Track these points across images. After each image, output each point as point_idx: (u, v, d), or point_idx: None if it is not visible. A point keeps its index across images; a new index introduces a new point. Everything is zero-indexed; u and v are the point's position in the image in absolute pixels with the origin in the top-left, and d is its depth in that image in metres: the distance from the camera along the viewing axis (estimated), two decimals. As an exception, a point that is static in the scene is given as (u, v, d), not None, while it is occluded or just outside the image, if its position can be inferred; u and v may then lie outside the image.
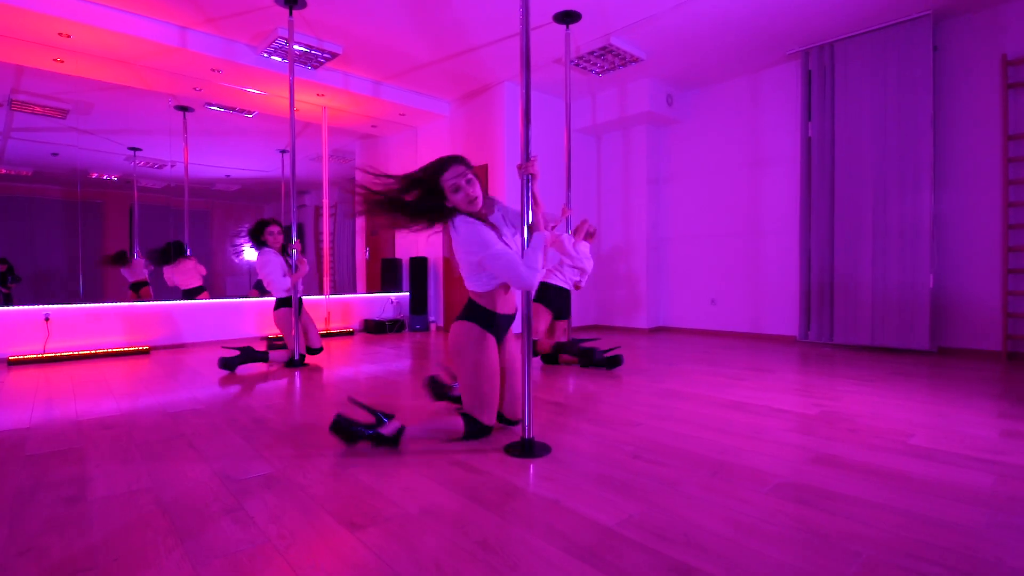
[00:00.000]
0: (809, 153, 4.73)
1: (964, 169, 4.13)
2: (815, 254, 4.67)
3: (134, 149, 7.50)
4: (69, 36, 3.93)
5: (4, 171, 7.44)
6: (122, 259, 6.15)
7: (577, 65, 4.83)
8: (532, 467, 1.78)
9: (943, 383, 3.13)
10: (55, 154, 7.25)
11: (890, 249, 4.27)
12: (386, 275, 6.60)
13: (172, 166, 8.07)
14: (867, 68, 4.36)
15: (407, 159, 6.80)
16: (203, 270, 6.04)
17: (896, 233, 4.25)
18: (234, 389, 3.08)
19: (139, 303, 4.74)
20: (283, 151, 8.02)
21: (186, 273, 5.90)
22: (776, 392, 2.90)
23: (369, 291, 7.08)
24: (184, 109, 6.24)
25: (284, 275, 3.81)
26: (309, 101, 5.54)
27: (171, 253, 5.94)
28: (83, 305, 4.41)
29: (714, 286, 5.62)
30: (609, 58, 4.66)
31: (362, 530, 1.34)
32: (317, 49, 4.43)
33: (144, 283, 6.21)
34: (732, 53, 4.79)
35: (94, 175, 8.28)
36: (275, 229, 3.85)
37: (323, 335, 5.53)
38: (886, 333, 4.29)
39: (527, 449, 1.89)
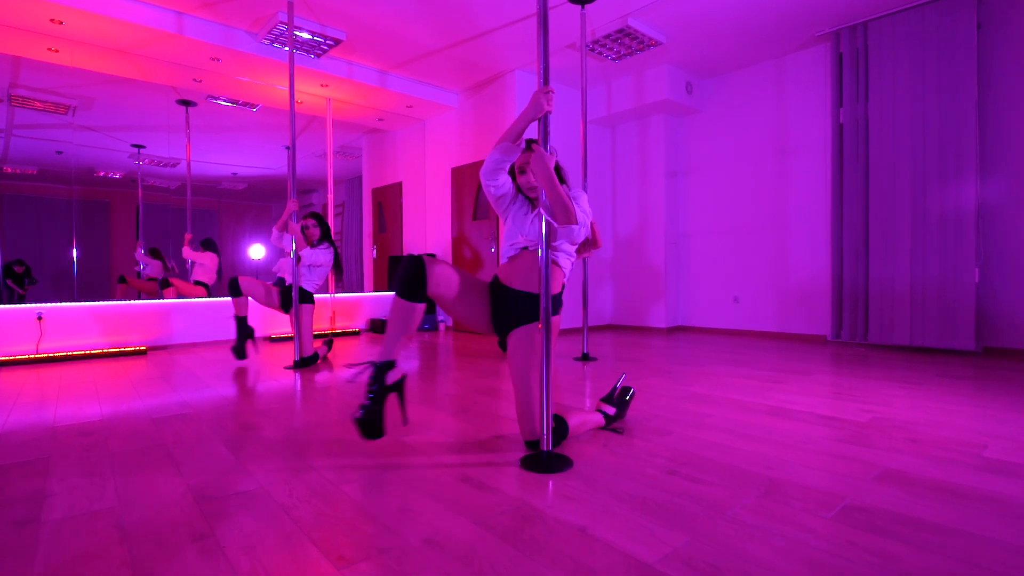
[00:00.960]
0: (841, 141, 4.45)
1: (1012, 155, 3.83)
2: (848, 248, 4.38)
3: (138, 146, 7.38)
4: (61, 22, 3.76)
5: (9, 170, 7.35)
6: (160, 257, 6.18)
7: (592, 50, 4.59)
8: (552, 484, 1.55)
9: (997, 386, 2.84)
10: (59, 152, 7.14)
11: (931, 242, 3.98)
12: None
13: (175, 165, 7.94)
14: (904, 49, 4.07)
15: (415, 154, 6.59)
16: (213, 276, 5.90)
17: (937, 224, 3.95)
18: (228, 391, 2.88)
19: (138, 301, 4.56)
20: (289, 147, 7.86)
21: (205, 267, 5.79)
22: (817, 396, 2.63)
23: (376, 290, 6.88)
24: (187, 103, 6.08)
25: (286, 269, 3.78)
26: (313, 92, 5.34)
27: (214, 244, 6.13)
28: (78, 304, 4.24)
29: (737, 283, 5.34)
30: (626, 42, 4.41)
31: (351, 566, 1.12)
32: (319, 35, 4.23)
33: (154, 279, 6.08)
34: (756, 36, 4.52)
35: (100, 173, 8.18)
36: (308, 223, 3.83)
37: (328, 335, 5.33)
38: (926, 332, 4.00)
39: (546, 463, 1.66)
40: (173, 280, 5.83)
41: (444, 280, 1.73)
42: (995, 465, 1.68)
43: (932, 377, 3.12)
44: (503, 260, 1.93)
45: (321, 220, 3.83)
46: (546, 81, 1.71)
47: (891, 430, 2.06)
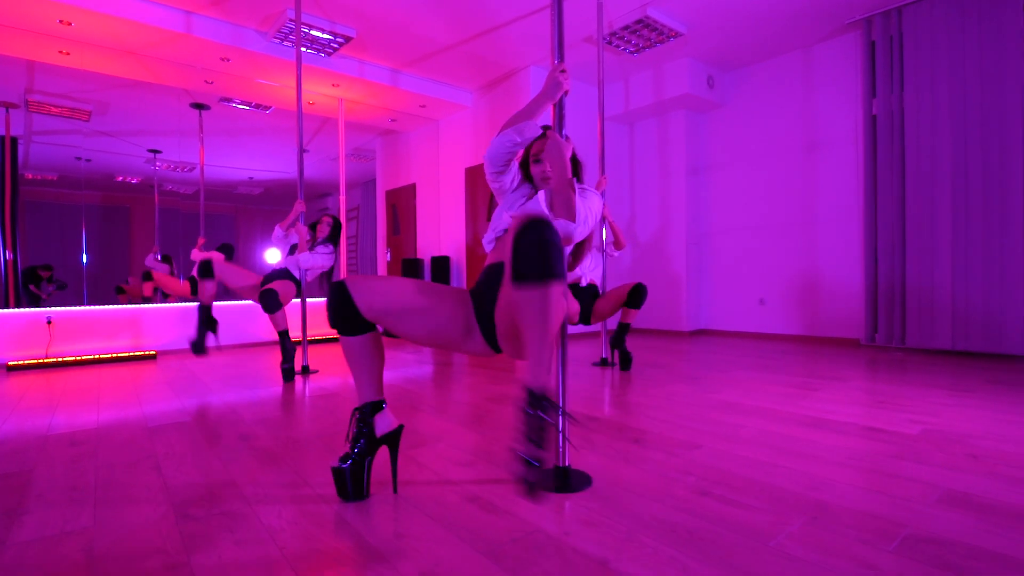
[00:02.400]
0: (874, 133, 4.22)
1: (1064, 145, 3.57)
2: (882, 246, 4.14)
3: (154, 151, 7.40)
4: (70, 24, 3.73)
5: (30, 176, 7.44)
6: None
7: (609, 43, 4.42)
8: (568, 506, 1.38)
9: (1060, 394, 2.60)
10: (78, 158, 7.19)
11: (974, 239, 3.73)
12: (407, 276, 6.29)
13: (191, 169, 7.95)
14: (942, 35, 3.83)
15: (428, 155, 6.49)
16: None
17: (980, 220, 3.70)
18: (231, 398, 2.77)
19: (148, 305, 4.51)
20: (304, 150, 7.82)
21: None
22: (858, 405, 2.43)
23: (390, 293, 6.78)
24: (200, 107, 6.05)
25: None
26: (324, 92, 5.27)
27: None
28: (87, 308, 4.20)
29: (763, 284, 5.11)
30: (645, 33, 4.24)
31: (336, 605, 0.97)
32: (329, 32, 4.14)
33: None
34: (782, 24, 4.31)
35: (119, 178, 8.24)
36: (324, 219, 3.72)
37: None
38: (970, 336, 3.74)
39: (562, 481, 1.49)
40: (154, 274, 5.72)
41: (374, 291, 1.39)
42: (1075, 487, 1.47)
43: (982, 384, 2.88)
44: (487, 249, 1.64)
45: (336, 223, 3.72)
46: (561, 58, 1.56)
47: (947, 444, 1.85)
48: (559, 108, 1.56)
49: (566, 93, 1.54)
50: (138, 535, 1.26)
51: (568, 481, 1.50)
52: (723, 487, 1.49)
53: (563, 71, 1.51)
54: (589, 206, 1.57)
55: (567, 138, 1.56)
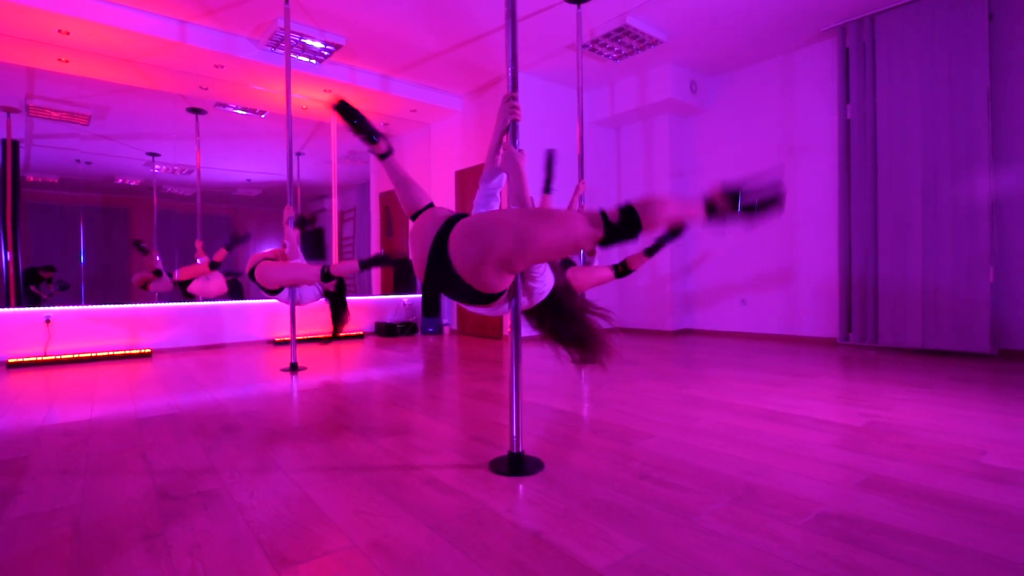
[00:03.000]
0: (848, 138, 4.33)
1: (1029, 149, 3.68)
2: (856, 247, 4.25)
3: (153, 154, 7.54)
4: (68, 33, 3.86)
5: (32, 178, 7.57)
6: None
7: (592, 50, 4.54)
8: (517, 488, 1.50)
9: (1011, 391, 2.71)
10: (78, 160, 7.33)
11: (943, 239, 3.84)
12: (399, 276, 6.41)
13: (190, 172, 8.08)
14: (913, 42, 3.94)
15: (421, 157, 6.61)
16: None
17: (949, 222, 3.81)
18: (221, 394, 2.89)
19: (144, 305, 4.64)
20: (299, 153, 7.94)
21: (208, 284, 5.73)
22: (816, 400, 2.54)
23: (383, 293, 6.90)
24: (197, 111, 6.18)
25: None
26: (316, 98, 5.39)
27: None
28: (85, 307, 4.33)
29: (745, 285, 5.22)
30: (626, 41, 4.36)
31: (291, 567, 1.09)
32: (320, 40, 4.27)
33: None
34: (760, 32, 4.43)
35: (119, 180, 8.37)
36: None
37: (333, 339, 5.35)
38: (939, 334, 3.85)
39: (515, 465, 1.61)
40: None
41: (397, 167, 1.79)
42: (992, 472, 1.59)
43: (943, 380, 2.99)
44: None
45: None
46: (514, 87, 1.70)
47: (888, 435, 1.97)
48: (513, 130, 1.72)
49: (517, 120, 1.69)
50: (120, 512, 1.38)
51: (522, 466, 1.62)
52: (663, 471, 1.61)
53: (513, 99, 1.67)
54: (545, 280, 1.75)
55: (521, 151, 1.70)
